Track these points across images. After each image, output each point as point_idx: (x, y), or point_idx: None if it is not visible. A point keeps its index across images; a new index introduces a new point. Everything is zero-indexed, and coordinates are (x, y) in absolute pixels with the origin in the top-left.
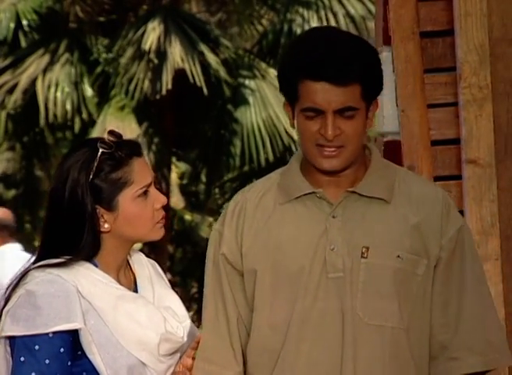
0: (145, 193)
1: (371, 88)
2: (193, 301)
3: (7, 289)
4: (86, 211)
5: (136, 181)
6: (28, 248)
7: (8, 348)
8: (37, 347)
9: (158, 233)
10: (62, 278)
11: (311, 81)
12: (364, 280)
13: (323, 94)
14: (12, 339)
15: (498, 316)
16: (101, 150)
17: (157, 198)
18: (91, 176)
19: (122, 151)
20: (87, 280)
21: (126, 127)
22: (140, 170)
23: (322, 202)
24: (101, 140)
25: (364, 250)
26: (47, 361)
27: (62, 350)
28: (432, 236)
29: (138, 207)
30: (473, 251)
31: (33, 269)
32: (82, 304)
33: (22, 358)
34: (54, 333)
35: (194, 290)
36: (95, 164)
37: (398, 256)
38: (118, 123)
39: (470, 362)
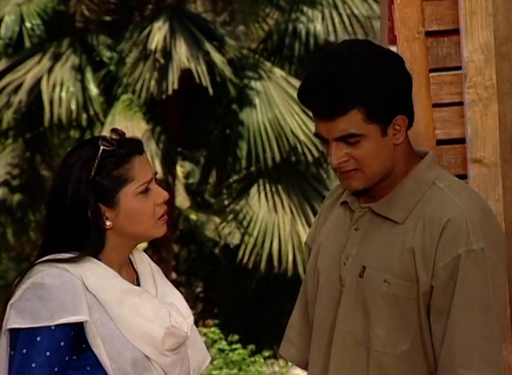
0: (146, 190)
1: (379, 110)
2: (198, 301)
3: (12, 283)
4: (89, 208)
5: (137, 178)
6: (34, 248)
7: (9, 341)
8: (38, 338)
9: (160, 230)
10: (68, 271)
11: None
12: (359, 299)
13: (320, 124)
14: (14, 331)
15: (495, 353)
16: (102, 147)
17: (158, 194)
18: (93, 174)
19: (124, 148)
20: (93, 274)
21: (135, 127)
22: (141, 167)
23: (351, 213)
24: (102, 138)
25: (361, 269)
26: (47, 353)
27: (62, 343)
28: (424, 262)
29: (139, 203)
30: (472, 280)
31: (39, 263)
32: (87, 297)
33: (24, 350)
34: (56, 325)
35: (199, 289)
36: (96, 162)
37: (385, 281)
38: (126, 122)
39: None
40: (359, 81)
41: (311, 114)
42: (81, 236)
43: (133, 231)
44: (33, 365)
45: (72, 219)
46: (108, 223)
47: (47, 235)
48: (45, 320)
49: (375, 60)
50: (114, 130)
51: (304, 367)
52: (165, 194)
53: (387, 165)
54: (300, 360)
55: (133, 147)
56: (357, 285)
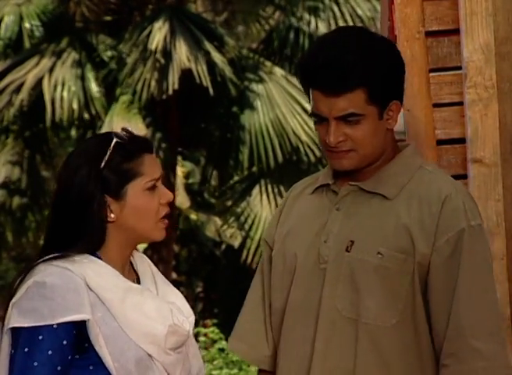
0: (153, 187)
1: (380, 92)
2: (198, 301)
3: (14, 283)
4: (94, 199)
5: (146, 174)
6: (34, 247)
7: (11, 340)
8: (40, 337)
9: (159, 233)
10: (70, 270)
11: (312, 88)
12: (345, 273)
13: (322, 101)
14: (16, 330)
15: (497, 324)
16: (115, 140)
17: (163, 194)
18: (103, 165)
19: (135, 145)
20: (95, 273)
21: (133, 127)
22: (151, 165)
23: (333, 194)
24: (115, 132)
25: (349, 244)
26: (49, 352)
27: (65, 342)
28: (423, 236)
29: (145, 199)
30: (475, 255)
31: (40, 262)
32: (90, 296)
33: (26, 349)
34: (58, 324)
35: (199, 289)
36: (108, 153)
37: (379, 253)
38: (125, 123)
39: (455, 369)
40: (363, 61)
41: None
42: (83, 229)
43: (135, 227)
44: (35, 363)
45: (76, 210)
46: (112, 215)
47: (51, 229)
48: (47, 319)
49: (374, 44)
50: (124, 129)
51: (255, 363)
52: (169, 195)
53: (379, 148)
54: (253, 356)
55: (144, 145)
56: (342, 260)
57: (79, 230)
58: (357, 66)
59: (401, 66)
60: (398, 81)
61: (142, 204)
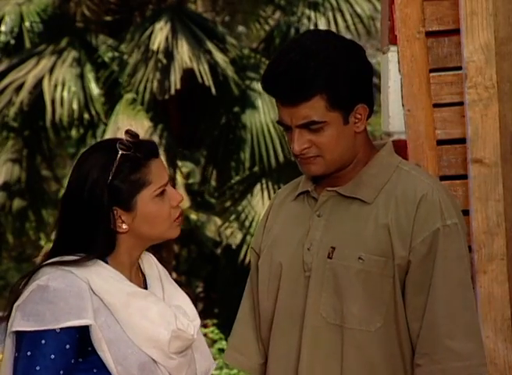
0: (162, 192)
1: (341, 97)
2: (198, 301)
3: (18, 285)
4: (102, 212)
5: (154, 181)
6: (34, 247)
7: (15, 342)
8: (43, 341)
9: (174, 232)
10: (74, 274)
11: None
12: (328, 280)
13: (283, 111)
14: (19, 333)
15: (472, 322)
16: (120, 152)
17: (173, 196)
18: (110, 178)
19: (141, 152)
20: (99, 277)
21: (138, 125)
22: (158, 171)
23: (313, 201)
24: (119, 141)
25: (330, 250)
26: (52, 356)
27: (67, 346)
28: (400, 237)
29: (156, 206)
30: (450, 254)
31: (45, 265)
32: (93, 301)
33: (29, 353)
34: (61, 328)
35: (199, 289)
36: (115, 166)
37: (359, 258)
38: (130, 121)
39: (428, 369)
40: (322, 68)
41: None
42: (92, 239)
43: (149, 234)
44: (38, 368)
45: (85, 222)
46: (124, 226)
47: (59, 238)
48: (50, 323)
49: (337, 48)
50: (128, 133)
51: (250, 372)
52: (179, 197)
53: (348, 152)
54: (247, 365)
55: (150, 150)
56: (324, 266)
57: (88, 241)
58: (313, 74)
59: (365, 68)
60: (362, 84)
61: (153, 211)
